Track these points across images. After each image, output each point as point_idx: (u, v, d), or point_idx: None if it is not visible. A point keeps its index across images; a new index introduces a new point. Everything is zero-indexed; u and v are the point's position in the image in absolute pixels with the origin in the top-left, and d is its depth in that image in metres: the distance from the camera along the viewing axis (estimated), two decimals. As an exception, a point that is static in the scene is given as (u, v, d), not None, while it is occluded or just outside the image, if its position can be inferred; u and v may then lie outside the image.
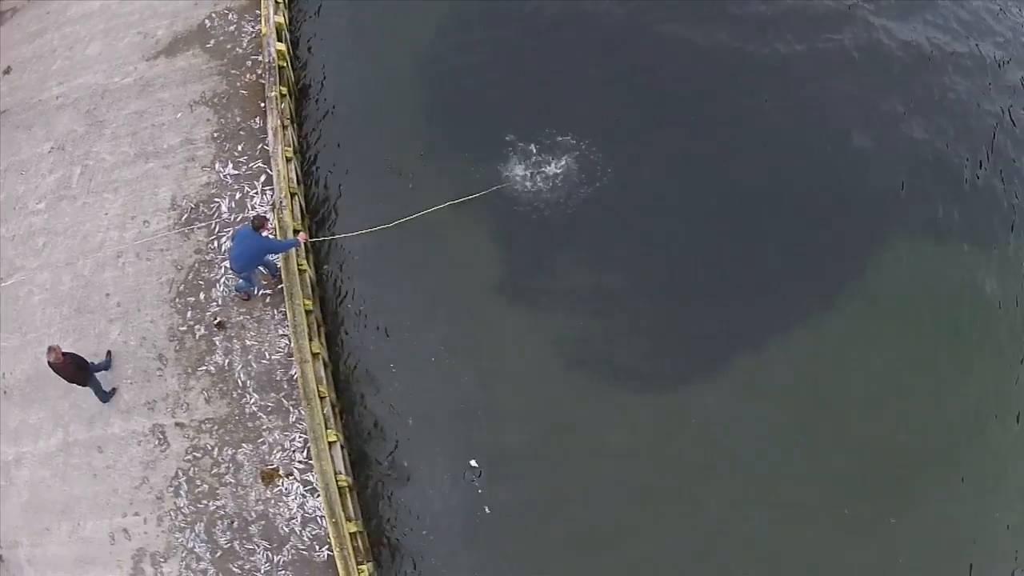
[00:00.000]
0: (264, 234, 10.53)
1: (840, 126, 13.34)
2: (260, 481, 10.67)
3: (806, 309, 11.93)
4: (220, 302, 11.72)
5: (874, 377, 11.45)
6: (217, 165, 12.73)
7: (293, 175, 12.56)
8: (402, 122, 13.64)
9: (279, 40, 13.58)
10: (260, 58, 13.54)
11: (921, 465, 10.97)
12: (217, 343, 11.48)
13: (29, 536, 10.75)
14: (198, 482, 10.73)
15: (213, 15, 14.24)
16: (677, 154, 13.07)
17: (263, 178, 12.52)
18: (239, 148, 12.84)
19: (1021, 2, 15.06)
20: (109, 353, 11.45)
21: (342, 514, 10.12)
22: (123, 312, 11.78)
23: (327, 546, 10.25)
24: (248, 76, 13.51)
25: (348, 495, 10.51)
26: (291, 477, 10.67)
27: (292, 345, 11.10)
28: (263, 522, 10.48)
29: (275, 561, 10.28)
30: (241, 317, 11.65)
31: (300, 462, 10.74)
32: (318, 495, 10.38)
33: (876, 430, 11.10)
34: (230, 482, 10.71)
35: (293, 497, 10.58)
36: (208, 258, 12.02)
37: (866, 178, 12.93)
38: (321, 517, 10.36)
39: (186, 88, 13.49)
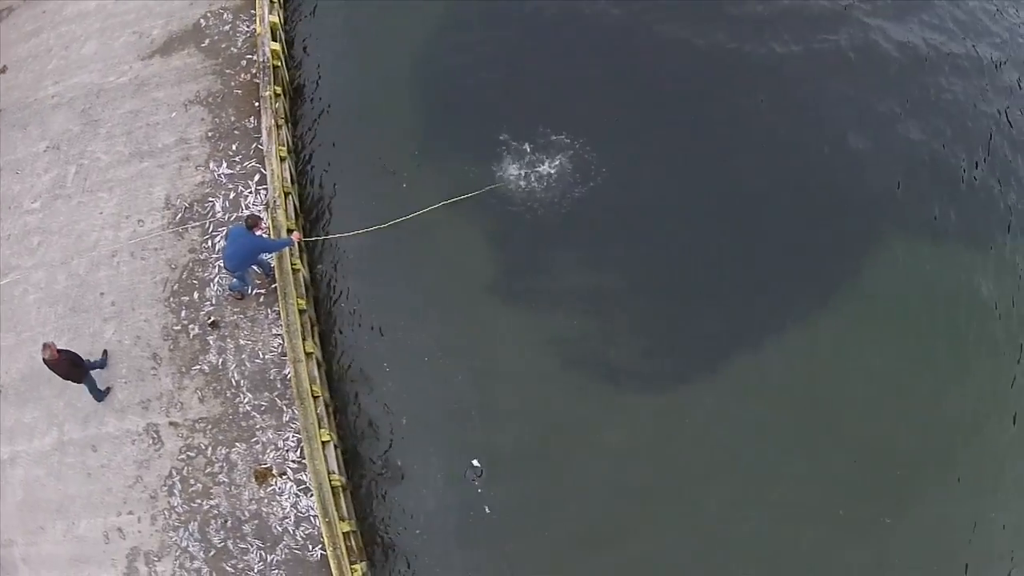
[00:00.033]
0: (258, 233, 10.52)
1: (837, 126, 13.34)
2: (254, 480, 10.66)
3: (803, 309, 11.91)
4: (214, 301, 11.73)
5: (872, 377, 11.43)
6: (211, 164, 12.74)
7: (287, 174, 12.58)
8: (396, 122, 13.66)
9: (274, 40, 13.60)
10: (255, 58, 13.59)
11: (919, 465, 10.94)
12: (211, 342, 11.48)
13: (24, 535, 10.73)
14: (192, 481, 10.72)
15: (208, 15, 14.31)
16: (673, 154, 13.07)
17: (257, 177, 12.53)
18: (233, 147, 12.85)
19: (1018, 3, 15.07)
20: (105, 352, 11.44)
21: (335, 513, 10.09)
22: (117, 311, 11.77)
23: (320, 545, 10.23)
24: (243, 76, 13.53)
25: (341, 494, 10.50)
26: (284, 476, 10.65)
27: (286, 344, 11.08)
28: (256, 521, 10.47)
29: (268, 560, 10.26)
30: (235, 316, 11.64)
31: (293, 461, 10.72)
32: (311, 494, 10.35)
33: (874, 430, 11.08)
34: (224, 481, 10.69)
35: (286, 496, 10.56)
36: (202, 257, 12.02)
37: (863, 178, 12.92)
38: (314, 516, 10.35)
39: (181, 87, 13.52)
